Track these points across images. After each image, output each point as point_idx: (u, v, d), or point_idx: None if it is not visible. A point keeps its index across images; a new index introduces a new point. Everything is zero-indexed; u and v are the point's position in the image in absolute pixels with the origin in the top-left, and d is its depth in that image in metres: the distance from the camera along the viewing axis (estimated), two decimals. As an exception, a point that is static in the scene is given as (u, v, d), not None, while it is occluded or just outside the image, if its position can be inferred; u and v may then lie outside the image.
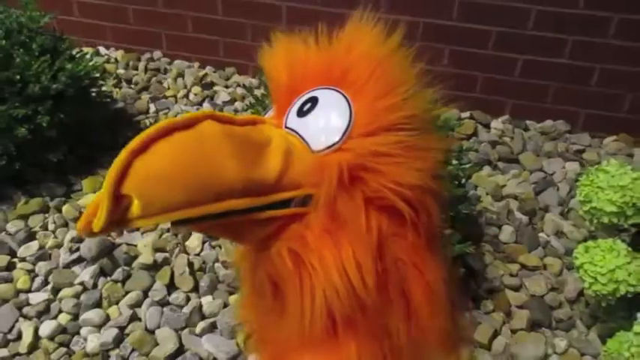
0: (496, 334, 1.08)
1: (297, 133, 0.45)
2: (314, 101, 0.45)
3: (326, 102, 0.45)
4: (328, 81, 0.46)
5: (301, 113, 0.45)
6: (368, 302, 0.44)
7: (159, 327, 1.07)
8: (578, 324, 1.11)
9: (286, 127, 0.46)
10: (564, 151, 1.57)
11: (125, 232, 1.25)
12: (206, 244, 1.23)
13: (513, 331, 1.10)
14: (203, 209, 0.37)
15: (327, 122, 0.44)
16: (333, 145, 0.44)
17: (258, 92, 1.26)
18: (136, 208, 0.35)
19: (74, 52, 1.41)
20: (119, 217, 0.35)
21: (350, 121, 0.44)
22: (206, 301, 1.12)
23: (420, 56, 0.48)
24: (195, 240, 1.23)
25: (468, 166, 1.12)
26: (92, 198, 1.27)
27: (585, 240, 1.26)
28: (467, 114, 1.67)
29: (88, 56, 1.42)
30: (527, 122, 1.68)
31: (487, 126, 1.66)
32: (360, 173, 0.43)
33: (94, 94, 1.47)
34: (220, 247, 1.23)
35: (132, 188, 0.34)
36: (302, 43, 0.48)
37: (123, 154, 0.35)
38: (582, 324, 1.11)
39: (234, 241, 0.48)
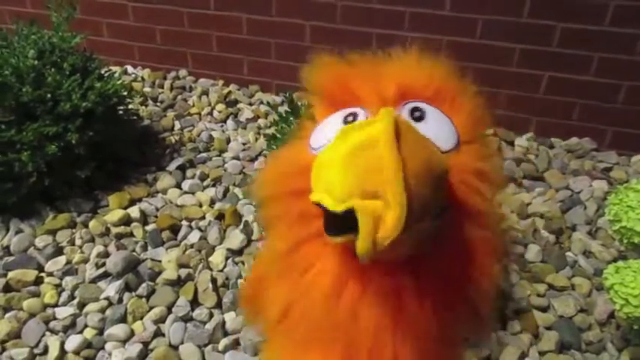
0: (523, 355, 1.06)
1: None
2: (421, 110, 0.50)
3: (433, 112, 0.50)
4: (422, 96, 0.51)
5: (414, 119, 0.49)
6: None
7: (182, 343, 1.07)
8: (609, 347, 1.08)
9: None
10: (591, 169, 1.54)
11: (149, 248, 1.27)
12: (229, 260, 1.23)
13: (542, 354, 1.07)
14: None
15: (442, 128, 0.49)
16: (453, 148, 0.48)
17: (281, 109, 1.27)
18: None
19: (103, 72, 1.44)
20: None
21: (457, 130, 0.50)
22: (229, 317, 1.12)
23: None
24: (218, 256, 1.24)
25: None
26: (119, 214, 1.30)
27: (615, 260, 1.23)
28: (490, 131, 1.66)
29: (116, 75, 1.46)
30: (553, 140, 1.66)
31: (511, 143, 1.64)
32: (474, 177, 0.48)
33: (121, 112, 1.50)
34: (243, 263, 1.23)
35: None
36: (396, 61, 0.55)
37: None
38: (613, 347, 1.08)
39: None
